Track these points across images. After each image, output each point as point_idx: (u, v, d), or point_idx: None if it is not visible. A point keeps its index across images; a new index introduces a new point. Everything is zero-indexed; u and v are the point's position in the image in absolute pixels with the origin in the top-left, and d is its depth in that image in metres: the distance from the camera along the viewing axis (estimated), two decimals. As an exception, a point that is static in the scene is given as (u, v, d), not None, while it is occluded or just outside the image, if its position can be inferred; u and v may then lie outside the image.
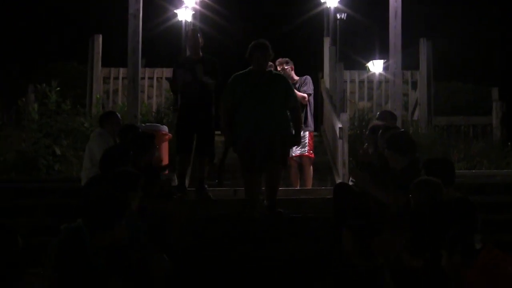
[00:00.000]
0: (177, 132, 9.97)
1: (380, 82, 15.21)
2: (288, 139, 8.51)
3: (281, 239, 8.02)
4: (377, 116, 9.27)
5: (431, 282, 5.34)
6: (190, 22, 15.53)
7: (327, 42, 15.76)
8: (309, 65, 11.08)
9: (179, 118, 9.97)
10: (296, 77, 10.97)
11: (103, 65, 15.45)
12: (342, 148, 10.68)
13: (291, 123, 8.50)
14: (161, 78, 15.35)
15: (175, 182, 10.07)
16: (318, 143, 12.95)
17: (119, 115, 10.28)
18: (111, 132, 10.05)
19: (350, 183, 7.77)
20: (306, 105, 10.75)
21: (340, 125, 10.77)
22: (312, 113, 10.97)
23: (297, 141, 8.90)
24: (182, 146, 9.74)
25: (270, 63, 9.84)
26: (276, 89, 8.40)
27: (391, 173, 6.77)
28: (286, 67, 10.88)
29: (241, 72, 8.67)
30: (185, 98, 9.92)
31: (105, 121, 10.15)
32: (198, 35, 9.96)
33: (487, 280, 4.90)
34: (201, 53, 9.84)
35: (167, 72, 14.73)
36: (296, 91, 10.23)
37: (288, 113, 8.49)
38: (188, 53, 10.67)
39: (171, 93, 13.24)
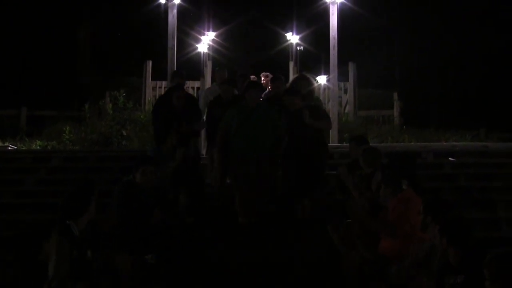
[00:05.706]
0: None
1: (324, 89, 15.08)
2: (270, 159, 6.92)
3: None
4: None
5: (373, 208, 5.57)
6: (206, 52, 15.15)
7: (291, 64, 15.72)
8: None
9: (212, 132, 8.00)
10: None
11: (152, 79, 15.25)
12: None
13: (273, 147, 6.95)
14: (188, 87, 15.06)
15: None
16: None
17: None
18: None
19: None
20: None
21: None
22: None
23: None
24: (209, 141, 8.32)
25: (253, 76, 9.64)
26: (265, 121, 6.92)
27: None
28: (267, 78, 10.85)
29: (237, 106, 7.16)
30: (210, 125, 8.06)
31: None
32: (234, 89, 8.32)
33: (400, 202, 5.19)
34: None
35: (191, 83, 14.48)
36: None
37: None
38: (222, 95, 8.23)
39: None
